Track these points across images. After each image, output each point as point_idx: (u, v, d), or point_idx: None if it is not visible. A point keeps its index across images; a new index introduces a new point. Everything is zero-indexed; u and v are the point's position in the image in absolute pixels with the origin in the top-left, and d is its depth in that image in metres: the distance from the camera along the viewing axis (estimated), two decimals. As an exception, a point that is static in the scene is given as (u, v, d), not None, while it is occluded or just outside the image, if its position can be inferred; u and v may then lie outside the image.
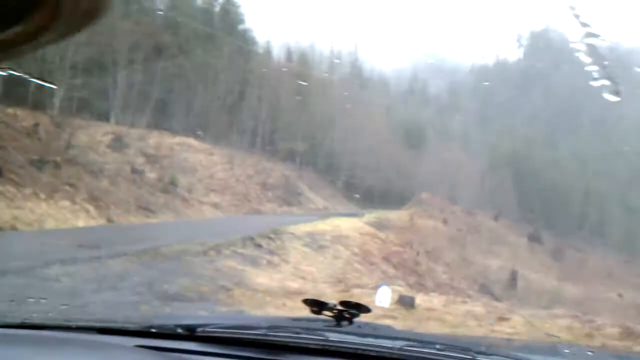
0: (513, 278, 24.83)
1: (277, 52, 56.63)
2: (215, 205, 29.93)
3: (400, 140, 56.53)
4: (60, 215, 20.94)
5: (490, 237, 36.18)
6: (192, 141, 37.86)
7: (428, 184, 44.80)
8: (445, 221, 36.09)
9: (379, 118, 58.31)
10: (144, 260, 15.78)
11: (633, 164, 50.51)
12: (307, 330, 2.17)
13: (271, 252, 20.82)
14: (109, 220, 22.81)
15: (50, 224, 19.62)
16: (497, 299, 20.70)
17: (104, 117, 35.94)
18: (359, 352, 1.99)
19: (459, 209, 40.75)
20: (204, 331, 2.18)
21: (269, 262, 19.77)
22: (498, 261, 29.36)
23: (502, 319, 15.64)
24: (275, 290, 16.14)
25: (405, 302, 16.75)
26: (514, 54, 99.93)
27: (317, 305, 2.36)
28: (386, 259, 24.65)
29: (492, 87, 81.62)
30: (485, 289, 23.38)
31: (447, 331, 13.63)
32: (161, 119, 38.60)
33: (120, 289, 12.18)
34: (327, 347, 2.03)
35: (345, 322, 2.32)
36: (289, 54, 58.44)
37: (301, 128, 47.86)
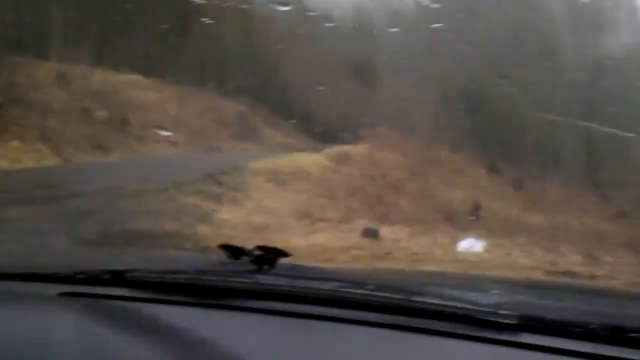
0: (476, 208, 24.85)
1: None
2: (172, 143, 29.04)
3: (352, 75, 55.87)
4: (12, 155, 20.12)
5: (450, 169, 36.28)
6: (138, 78, 36.54)
7: (384, 119, 44.46)
8: (404, 154, 35.93)
9: (329, 53, 57.45)
10: (103, 199, 15.30)
11: (584, 93, 51.24)
12: (236, 273, 2.15)
13: (233, 189, 20.38)
14: (64, 159, 21.98)
15: (1, 164, 18.81)
16: (461, 229, 20.70)
17: (43, 55, 34.13)
18: (290, 293, 1.97)
19: (416, 142, 40.71)
20: (132, 276, 2.10)
21: (232, 199, 19.37)
22: (460, 192, 29.47)
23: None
24: (241, 225, 15.79)
25: (370, 234, 16.59)
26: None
27: (235, 251, 2.31)
28: (349, 192, 24.43)
29: (438, 20, 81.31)
30: (449, 220, 23.43)
31: (414, 259, 13.51)
32: (104, 56, 36.98)
33: (82, 228, 11.76)
34: (257, 289, 2.04)
35: (267, 266, 2.24)
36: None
37: (251, 64, 46.72)
